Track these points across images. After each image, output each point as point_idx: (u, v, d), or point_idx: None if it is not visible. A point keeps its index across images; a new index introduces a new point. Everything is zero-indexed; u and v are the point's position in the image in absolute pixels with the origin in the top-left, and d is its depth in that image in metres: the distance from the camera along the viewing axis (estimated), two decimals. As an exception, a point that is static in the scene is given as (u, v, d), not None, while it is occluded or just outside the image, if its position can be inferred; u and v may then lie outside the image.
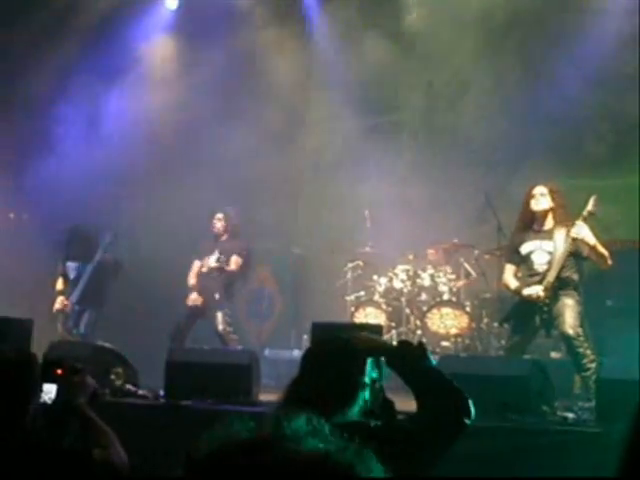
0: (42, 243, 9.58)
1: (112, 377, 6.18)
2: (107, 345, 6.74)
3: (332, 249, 10.13)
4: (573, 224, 6.53)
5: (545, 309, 6.56)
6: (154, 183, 10.05)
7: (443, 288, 9.08)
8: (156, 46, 11.17)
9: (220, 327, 8.35)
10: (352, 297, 9.46)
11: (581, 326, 6.41)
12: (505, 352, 7.07)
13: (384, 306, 9.04)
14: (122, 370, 6.30)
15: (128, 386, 6.25)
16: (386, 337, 8.24)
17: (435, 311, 8.83)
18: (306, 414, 1.20)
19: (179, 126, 10.70)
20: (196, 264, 8.65)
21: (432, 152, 10.58)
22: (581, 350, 6.28)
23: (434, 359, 2.79)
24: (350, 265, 9.65)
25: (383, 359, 2.73)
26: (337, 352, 2.75)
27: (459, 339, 8.79)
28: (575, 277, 6.66)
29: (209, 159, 10.25)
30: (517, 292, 6.78)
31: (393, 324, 9.00)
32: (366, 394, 2.65)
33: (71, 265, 8.75)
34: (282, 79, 10.77)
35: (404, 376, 2.71)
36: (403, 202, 9.82)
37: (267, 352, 9.54)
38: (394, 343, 2.89)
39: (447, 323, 8.75)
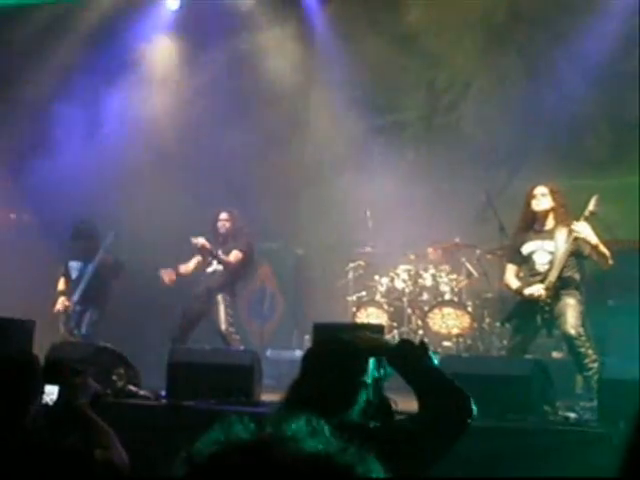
0: (43, 243, 9.59)
1: (114, 378, 6.18)
2: (109, 346, 6.73)
3: (333, 249, 10.14)
4: (574, 224, 6.54)
5: (547, 309, 6.56)
6: (155, 183, 10.05)
7: (445, 288, 9.08)
8: (157, 47, 11.17)
9: (222, 327, 8.35)
10: (354, 297, 9.45)
11: (582, 326, 6.41)
12: (507, 352, 7.07)
13: (386, 306, 9.03)
14: (124, 371, 6.29)
15: (130, 387, 6.25)
16: (388, 337, 8.24)
17: (437, 311, 8.82)
18: (307, 415, 1.21)
19: (180, 126, 10.70)
20: (196, 259, 8.67)
21: (433, 152, 10.58)
22: (583, 350, 6.28)
23: (436, 358, 2.79)
24: (351, 265, 9.64)
25: (385, 359, 2.73)
26: (338, 352, 2.75)
27: (461, 339, 8.79)
28: (576, 277, 6.66)
29: (210, 159, 10.25)
30: (518, 292, 6.78)
31: (395, 324, 9.00)
32: (368, 394, 2.65)
33: (73, 265, 8.76)
34: (283, 80, 10.76)
35: (406, 375, 2.71)
36: (404, 202, 9.81)
37: (269, 352, 9.53)
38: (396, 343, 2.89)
39: (449, 323, 8.74)
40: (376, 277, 9.41)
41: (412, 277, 9.22)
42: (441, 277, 9.17)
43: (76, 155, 10.24)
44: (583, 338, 6.32)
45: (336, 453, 1.12)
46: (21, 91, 10.61)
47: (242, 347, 8.41)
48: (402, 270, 9.30)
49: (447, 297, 8.98)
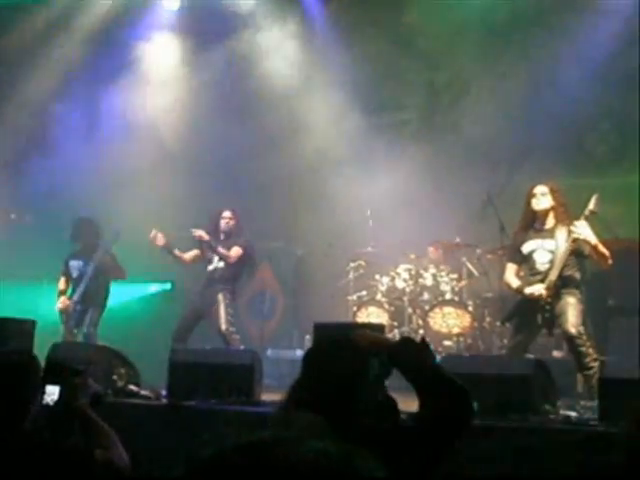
0: (43, 243, 9.59)
1: (114, 377, 6.17)
2: (109, 345, 6.74)
3: (334, 249, 10.13)
4: (574, 223, 6.53)
5: (547, 308, 6.55)
6: (155, 183, 10.05)
7: (445, 287, 9.08)
8: (156, 46, 11.18)
9: (223, 327, 8.35)
10: (354, 297, 9.46)
11: (583, 325, 6.41)
12: (507, 351, 7.06)
13: (386, 305, 9.04)
14: (124, 370, 6.29)
15: (130, 386, 6.25)
16: (388, 336, 8.24)
17: (437, 310, 8.83)
18: (308, 415, 1.21)
19: (180, 126, 10.70)
20: (194, 251, 8.68)
21: (434, 151, 10.58)
22: (583, 349, 6.28)
23: (437, 357, 2.79)
24: (352, 265, 9.65)
25: (386, 356, 2.73)
26: (339, 351, 2.75)
27: (461, 338, 8.80)
28: (577, 276, 6.66)
29: (210, 159, 10.25)
30: (519, 291, 6.78)
31: (395, 323, 9.00)
32: (370, 392, 2.65)
33: (73, 264, 8.75)
34: (283, 79, 10.77)
35: (407, 373, 2.71)
36: (405, 201, 9.82)
37: (269, 352, 9.54)
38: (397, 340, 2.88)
39: (449, 322, 8.75)
40: (377, 276, 9.42)
41: (413, 276, 9.23)
42: (442, 276, 9.18)
43: (76, 155, 10.25)
44: (584, 337, 6.32)
45: (337, 453, 1.12)
46: (21, 90, 10.61)
47: (242, 347, 8.42)
48: (403, 269, 9.30)
49: (448, 296, 8.99)
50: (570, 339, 6.37)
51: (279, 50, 10.84)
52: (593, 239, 6.49)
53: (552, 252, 6.69)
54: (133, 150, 10.21)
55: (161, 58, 11.20)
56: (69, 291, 8.71)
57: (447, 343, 8.83)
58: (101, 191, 10.02)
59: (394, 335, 8.78)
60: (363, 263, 9.64)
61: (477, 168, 10.18)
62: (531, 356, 6.95)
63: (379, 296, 9.21)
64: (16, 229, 10.77)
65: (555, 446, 4.89)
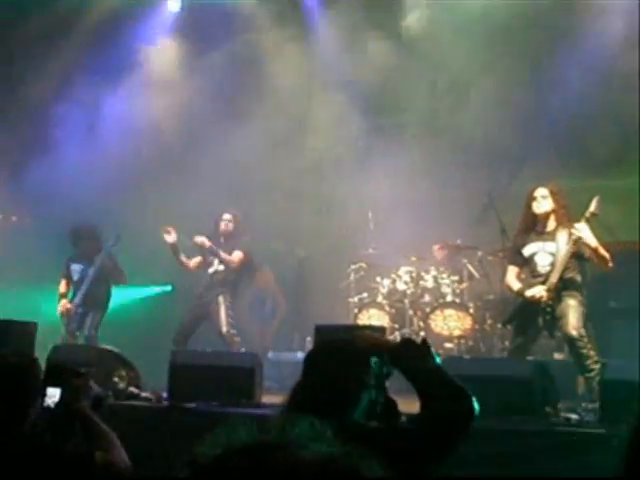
0: (45, 246, 9.59)
1: (115, 380, 6.18)
2: (110, 348, 6.74)
3: (335, 251, 10.14)
4: (575, 226, 6.53)
5: (548, 310, 6.55)
6: (156, 185, 10.06)
7: (446, 290, 9.08)
8: (158, 48, 11.18)
9: (223, 329, 8.35)
10: (355, 299, 9.46)
11: (584, 327, 6.41)
12: (508, 353, 7.07)
13: (387, 308, 9.04)
14: (125, 373, 6.30)
15: (131, 389, 6.26)
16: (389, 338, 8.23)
17: (438, 312, 8.83)
18: (309, 418, 1.21)
19: (181, 128, 10.71)
20: (197, 258, 8.69)
21: (435, 153, 10.57)
22: (584, 351, 6.27)
23: (437, 358, 2.79)
24: (353, 267, 9.65)
25: (386, 358, 2.73)
26: (340, 353, 2.75)
27: (462, 340, 8.79)
28: (578, 278, 6.66)
29: (211, 161, 10.25)
30: (520, 293, 6.78)
31: (396, 326, 9.00)
32: (371, 394, 2.65)
33: (74, 267, 8.76)
34: (284, 81, 10.77)
35: (408, 374, 2.70)
36: (406, 204, 9.81)
37: (270, 355, 9.54)
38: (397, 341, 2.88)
39: (450, 324, 8.75)
40: (378, 279, 9.41)
41: (414, 279, 9.22)
42: (443, 279, 9.17)
43: (78, 157, 10.24)
44: (585, 339, 6.31)
45: (339, 456, 1.12)
46: (23, 92, 10.61)
47: (243, 349, 8.43)
48: (404, 272, 9.30)
49: (449, 299, 8.98)
50: (571, 341, 6.37)
51: (280, 52, 10.84)
52: (594, 241, 6.49)
53: (553, 255, 6.69)
54: (135, 153, 10.21)
55: (163, 60, 11.20)
56: (70, 294, 8.71)
57: (448, 345, 8.83)
58: (102, 193, 10.02)
59: (395, 337, 8.77)
60: (364, 265, 9.64)
61: (478, 170, 10.17)
62: (532, 358, 6.95)
63: (380, 298, 9.21)
64: (17, 231, 10.77)
65: (556, 448, 4.89)
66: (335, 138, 10.84)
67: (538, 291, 6.58)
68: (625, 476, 1.40)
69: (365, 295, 9.47)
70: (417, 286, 9.20)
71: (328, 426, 1.20)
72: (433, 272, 9.24)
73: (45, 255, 9.46)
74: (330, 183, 10.61)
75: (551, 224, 6.80)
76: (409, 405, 2.85)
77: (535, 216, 6.84)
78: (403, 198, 9.89)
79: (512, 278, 6.93)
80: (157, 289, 10.92)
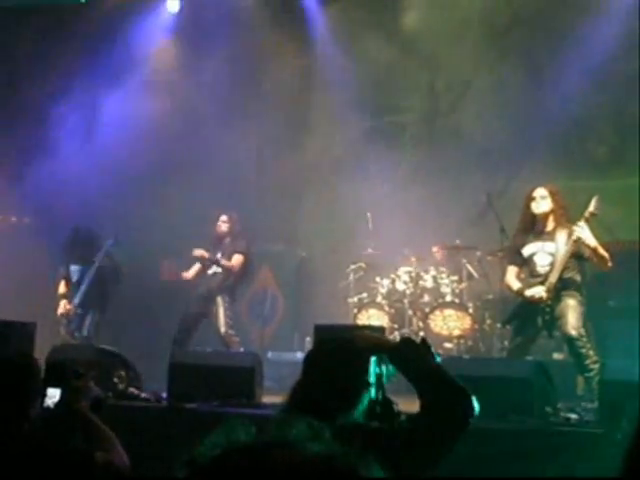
0: (44, 247, 9.59)
1: (115, 380, 6.18)
2: (110, 348, 6.74)
3: (335, 251, 10.14)
4: (574, 226, 6.53)
5: (547, 310, 6.55)
6: (156, 186, 10.06)
7: (446, 290, 9.08)
8: (157, 49, 11.18)
9: (223, 330, 8.36)
10: (355, 299, 9.46)
11: (583, 327, 6.41)
12: (508, 353, 7.07)
13: (387, 308, 9.04)
14: (125, 373, 6.30)
15: (131, 389, 6.25)
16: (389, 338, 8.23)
17: (438, 312, 8.83)
18: (308, 418, 1.21)
19: (180, 129, 10.71)
20: (196, 266, 8.69)
21: (434, 153, 10.59)
22: (584, 351, 6.27)
23: (437, 357, 2.79)
24: (352, 267, 9.64)
25: (386, 357, 2.73)
26: (340, 352, 2.75)
27: (462, 340, 8.79)
28: (577, 278, 6.66)
29: (211, 162, 10.25)
30: (519, 293, 6.78)
31: (396, 326, 9.00)
32: (371, 393, 2.65)
33: (73, 268, 8.76)
34: (283, 82, 10.77)
35: (407, 374, 2.70)
36: (405, 204, 9.82)
37: (270, 354, 9.53)
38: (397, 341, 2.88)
39: (450, 324, 8.75)
40: (377, 279, 9.41)
41: (413, 279, 9.22)
42: (442, 279, 9.17)
43: (77, 158, 10.25)
44: (584, 339, 6.32)
45: (337, 456, 1.12)
46: (21, 94, 10.62)
47: (243, 349, 8.43)
48: (403, 272, 9.30)
49: (448, 299, 8.99)
50: (570, 341, 6.37)
51: (279, 53, 10.84)
52: (593, 242, 6.49)
53: (552, 255, 6.69)
54: (134, 153, 10.21)
55: (162, 61, 11.20)
56: (69, 295, 8.71)
57: (447, 345, 8.83)
58: (101, 194, 10.02)
59: (394, 337, 8.78)
60: (363, 265, 9.63)
61: (477, 170, 10.18)
62: (531, 358, 6.95)
63: (379, 298, 9.21)
64: (16, 232, 10.77)
65: (555, 448, 4.89)
66: (334, 138, 10.85)
67: (537, 291, 6.59)
68: (625, 476, 1.40)
69: (364, 295, 9.47)
70: (416, 286, 9.20)
71: (327, 426, 1.21)
72: (432, 272, 9.24)
73: (44, 256, 9.46)
74: (329, 183, 10.62)
75: (550, 224, 6.80)
76: (409, 405, 2.85)
77: (534, 216, 6.84)
78: (402, 198, 9.89)
79: (511, 278, 6.93)
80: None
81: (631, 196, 9.07)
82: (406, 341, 2.81)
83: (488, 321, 8.98)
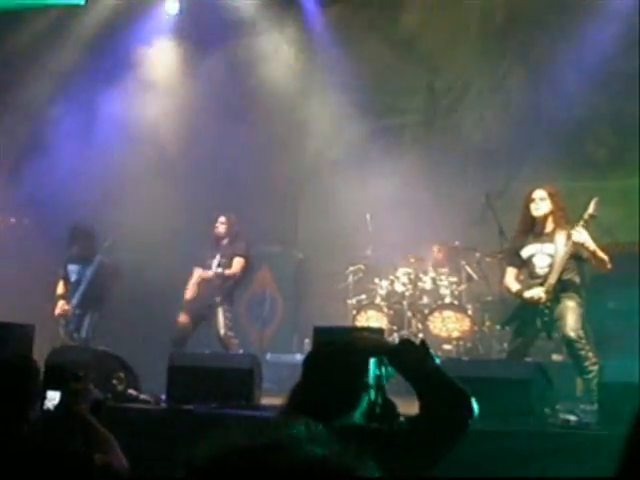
0: (43, 247, 9.59)
1: (114, 382, 6.17)
2: (109, 350, 6.74)
3: (333, 252, 10.14)
4: (573, 228, 6.53)
5: (546, 312, 6.55)
6: (154, 186, 10.05)
7: (445, 291, 9.08)
8: (156, 50, 11.18)
9: (221, 331, 8.35)
10: (353, 301, 9.45)
11: (582, 328, 6.40)
12: (507, 355, 7.06)
13: (386, 309, 9.03)
14: (124, 375, 6.29)
15: (130, 391, 6.25)
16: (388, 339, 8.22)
17: (437, 314, 8.82)
18: (305, 419, 1.20)
19: (179, 130, 10.70)
20: (196, 273, 8.63)
21: (433, 155, 10.59)
22: (583, 353, 6.27)
23: (437, 358, 2.79)
24: (351, 268, 9.64)
25: (385, 359, 2.73)
26: (339, 354, 2.75)
27: (461, 342, 8.79)
28: (576, 280, 6.66)
29: (210, 163, 10.25)
30: (518, 295, 6.78)
31: (395, 327, 8.99)
32: (370, 395, 2.65)
33: (72, 268, 8.75)
34: (282, 83, 10.77)
35: (406, 375, 2.70)
36: (404, 205, 9.82)
37: (269, 356, 9.53)
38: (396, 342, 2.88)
39: (449, 326, 8.74)
40: (376, 280, 9.41)
41: (412, 280, 9.22)
42: (441, 280, 9.17)
43: (75, 158, 10.24)
44: (583, 341, 6.31)
45: (334, 457, 1.12)
46: (20, 94, 10.62)
47: (241, 351, 8.42)
48: (402, 273, 9.30)
49: (447, 300, 8.98)
50: (569, 343, 6.37)
51: (278, 54, 10.85)
52: (592, 245, 6.49)
53: (551, 256, 6.68)
54: (132, 155, 10.21)
55: (160, 62, 11.20)
56: (68, 295, 8.70)
57: (446, 347, 8.82)
58: (100, 194, 10.02)
59: (393, 339, 8.78)
60: (362, 267, 9.63)
61: (476, 171, 10.18)
62: (530, 360, 6.95)
63: (378, 300, 9.20)
64: (15, 233, 10.76)
65: (554, 450, 4.89)
66: (333, 140, 10.85)
67: (536, 293, 6.58)
68: (623, 477, 1.40)
69: (363, 297, 9.47)
70: (415, 288, 9.20)
71: (326, 428, 1.20)
72: (431, 274, 9.24)
73: (43, 256, 9.46)
74: (328, 184, 10.61)
75: (549, 226, 6.80)
76: (408, 406, 2.85)
77: (533, 218, 6.84)
78: (401, 199, 9.89)
79: (511, 279, 6.93)
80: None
81: (631, 197, 9.07)
82: (405, 343, 2.81)
83: (487, 323, 8.98)
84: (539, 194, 6.80)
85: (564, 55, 9.77)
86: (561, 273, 6.57)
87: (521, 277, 7.02)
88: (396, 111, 11.10)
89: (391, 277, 9.32)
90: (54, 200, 9.88)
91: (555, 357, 8.24)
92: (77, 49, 10.64)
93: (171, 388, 6.17)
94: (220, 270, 8.49)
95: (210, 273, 8.49)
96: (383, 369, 2.71)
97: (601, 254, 6.49)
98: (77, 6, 10.85)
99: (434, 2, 10.78)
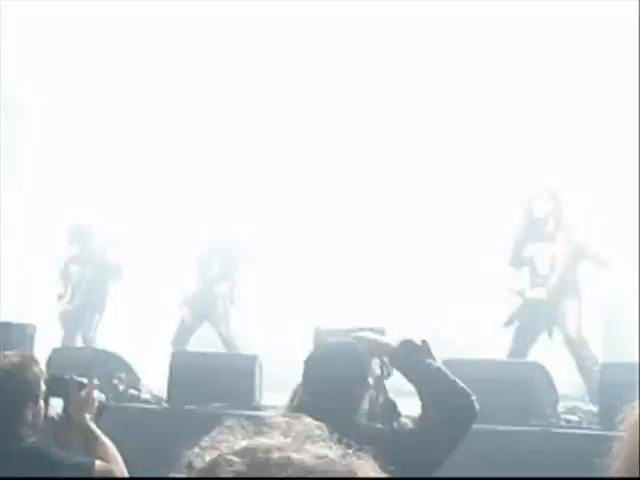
0: (43, 247, 9.58)
1: (115, 382, 6.17)
2: (110, 350, 6.74)
3: (335, 253, 10.11)
4: (574, 230, 6.53)
5: (548, 312, 6.55)
6: (154, 185, 10.04)
7: (445, 291, 9.06)
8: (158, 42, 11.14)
9: (223, 330, 8.34)
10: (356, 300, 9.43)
11: (583, 328, 6.41)
12: (508, 355, 7.06)
13: (387, 309, 9.02)
14: (125, 375, 6.29)
15: (131, 391, 6.24)
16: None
17: (438, 314, 8.81)
18: (308, 420, 1.21)
19: (178, 130, 10.68)
20: (195, 273, 8.64)
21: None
22: (584, 352, 6.28)
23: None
24: (352, 268, 9.62)
25: (387, 359, 2.73)
26: (340, 354, 2.75)
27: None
28: (577, 279, 6.66)
29: (209, 164, 10.24)
30: (520, 295, 6.78)
31: (396, 327, 8.98)
32: (372, 395, 2.65)
33: (72, 269, 8.75)
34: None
35: (408, 375, 2.70)
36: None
37: (270, 356, 9.50)
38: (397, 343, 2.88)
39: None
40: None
41: (413, 280, 9.21)
42: (442, 280, 9.16)
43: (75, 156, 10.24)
44: (584, 340, 6.32)
45: (336, 458, 1.12)
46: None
47: (242, 351, 8.40)
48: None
49: (448, 300, 8.97)
50: (571, 342, 6.37)
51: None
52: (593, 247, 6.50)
53: (552, 256, 6.69)
54: (132, 152, 10.20)
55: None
56: (68, 295, 8.70)
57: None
58: (101, 193, 10.01)
59: (394, 340, 8.76)
60: (364, 265, 9.61)
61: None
62: (531, 359, 6.95)
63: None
64: (15, 233, 10.75)
65: (555, 449, 4.89)
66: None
67: (538, 292, 6.59)
68: (624, 478, 1.40)
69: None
70: (416, 288, 9.18)
71: (328, 428, 1.20)
72: (432, 273, 9.23)
73: (44, 256, 9.45)
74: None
75: (550, 225, 6.80)
76: (410, 406, 2.85)
77: (534, 218, 6.84)
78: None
79: (512, 280, 6.94)
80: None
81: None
82: (406, 343, 2.81)
83: (488, 322, 8.96)
84: (540, 194, 6.80)
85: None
86: (562, 273, 6.57)
87: (522, 277, 7.02)
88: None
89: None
90: (55, 200, 9.88)
91: (556, 358, 8.23)
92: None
93: (172, 388, 6.17)
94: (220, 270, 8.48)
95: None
96: (384, 369, 2.71)
97: (602, 255, 6.49)
98: None
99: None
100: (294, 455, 1.10)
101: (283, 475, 1.08)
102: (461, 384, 2.67)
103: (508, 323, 7.07)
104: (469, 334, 8.46)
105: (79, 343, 8.42)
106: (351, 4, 8.52)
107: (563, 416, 5.49)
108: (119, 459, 3.03)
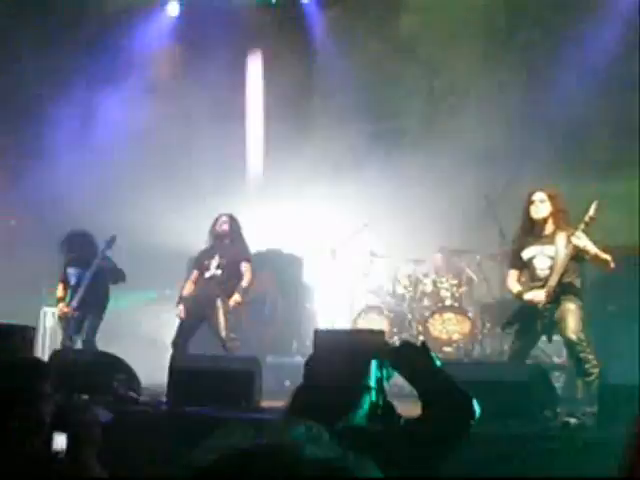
0: (43, 250, 9.59)
1: (114, 384, 6.17)
2: (109, 352, 6.73)
3: (334, 254, 10.13)
4: (574, 230, 6.52)
5: (547, 314, 6.55)
6: (153, 188, 10.05)
7: (445, 294, 9.08)
8: (156, 52, 11.19)
9: (222, 333, 8.33)
10: (354, 303, 9.45)
11: (583, 331, 6.41)
12: (507, 358, 7.06)
13: (386, 312, 9.04)
14: (124, 377, 6.29)
15: (130, 393, 6.24)
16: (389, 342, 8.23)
17: (437, 316, 8.83)
18: (307, 422, 1.21)
19: (178, 132, 10.71)
20: (194, 274, 8.62)
21: (433, 157, 10.59)
22: (583, 355, 6.27)
23: (437, 360, 2.79)
24: (352, 271, 9.64)
25: (387, 361, 2.73)
26: (340, 356, 2.75)
27: (461, 344, 8.79)
28: (577, 282, 6.66)
29: (210, 165, 10.26)
30: (519, 297, 6.78)
31: (395, 330, 9.00)
32: (372, 397, 2.65)
33: (71, 271, 8.74)
34: (283, 86, 10.78)
35: (408, 377, 2.71)
36: (405, 207, 9.82)
37: (270, 358, 9.52)
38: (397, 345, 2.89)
39: (449, 328, 8.75)
40: (378, 283, 9.41)
41: (412, 283, 9.23)
42: (442, 283, 9.18)
43: (74, 160, 10.25)
44: (584, 343, 6.31)
45: (335, 459, 1.12)
46: (20, 96, 10.62)
47: (242, 353, 8.41)
48: (403, 276, 9.30)
49: (448, 303, 8.99)
50: (570, 345, 6.37)
51: (279, 57, 10.85)
52: (593, 249, 6.48)
53: (552, 258, 6.68)
54: (132, 156, 10.22)
55: (161, 63, 11.21)
56: (67, 298, 8.70)
57: (447, 349, 8.83)
58: (99, 196, 10.02)
59: (394, 342, 8.78)
60: (363, 269, 9.63)
61: (476, 174, 10.18)
62: (531, 362, 6.95)
63: (379, 302, 9.21)
64: (16, 235, 10.76)
65: (555, 452, 4.89)
66: (334, 141, 10.85)
67: (537, 295, 6.58)
68: (624, 478, 1.40)
69: (364, 299, 9.47)
70: (416, 290, 9.20)
71: (328, 430, 1.20)
72: (432, 276, 9.25)
73: (43, 259, 9.45)
74: (329, 187, 10.62)
75: (550, 227, 6.80)
76: (410, 408, 2.85)
77: (533, 220, 6.84)
78: (401, 202, 9.89)
79: (512, 281, 6.94)
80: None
81: (631, 201, 9.07)
82: (406, 345, 2.81)
83: (488, 325, 8.98)
84: (539, 196, 6.79)
85: (565, 58, 9.78)
86: (562, 275, 6.56)
87: (522, 279, 7.02)
88: (397, 114, 11.11)
89: (392, 280, 9.32)
90: (54, 202, 9.88)
91: (556, 359, 8.24)
92: (78, 50, 10.65)
93: (172, 390, 6.17)
94: (220, 272, 8.47)
95: (212, 270, 8.47)
96: (384, 371, 2.71)
97: (602, 255, 6.49)
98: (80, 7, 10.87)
99: (434, 4, 10.78)
100: (295, 457, 1.10)
101: (283, 477, 1.08)
102: (460, 387, 2.67)
103: (507, 325, 7.07)
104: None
105: (78, 346, 8.41)
106: None
107: (562, 418, 5.48)
108: None
